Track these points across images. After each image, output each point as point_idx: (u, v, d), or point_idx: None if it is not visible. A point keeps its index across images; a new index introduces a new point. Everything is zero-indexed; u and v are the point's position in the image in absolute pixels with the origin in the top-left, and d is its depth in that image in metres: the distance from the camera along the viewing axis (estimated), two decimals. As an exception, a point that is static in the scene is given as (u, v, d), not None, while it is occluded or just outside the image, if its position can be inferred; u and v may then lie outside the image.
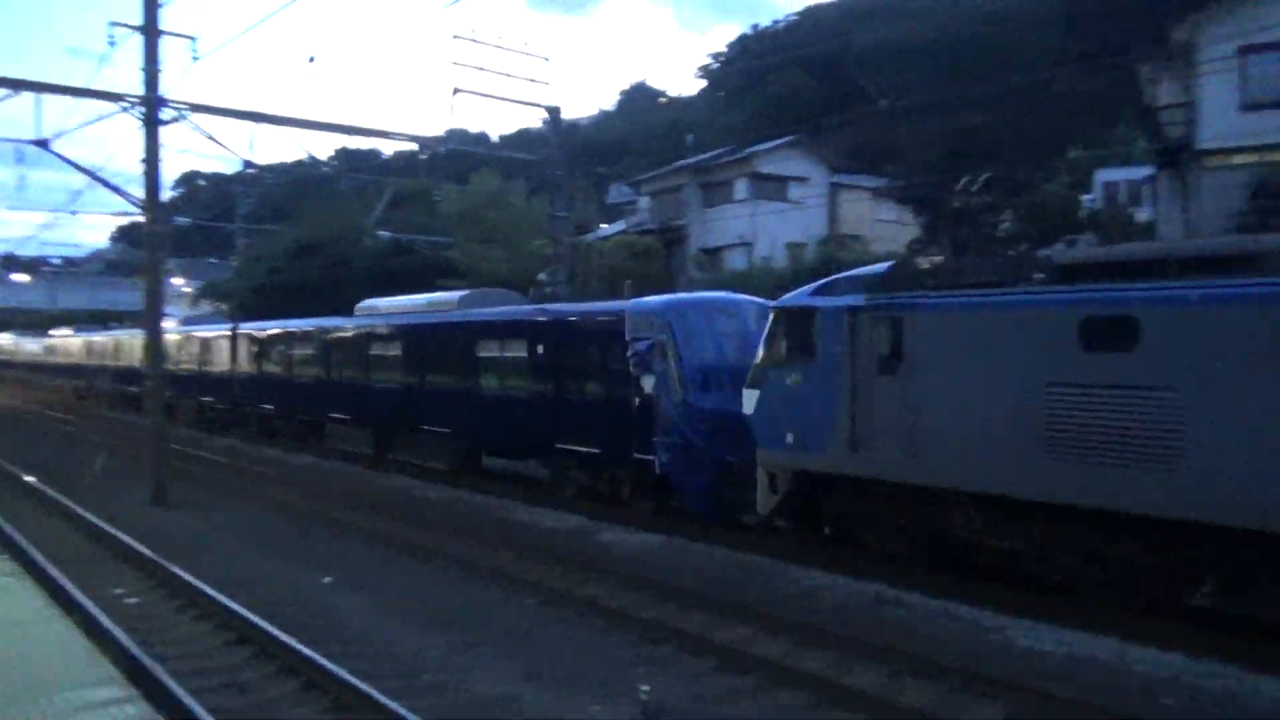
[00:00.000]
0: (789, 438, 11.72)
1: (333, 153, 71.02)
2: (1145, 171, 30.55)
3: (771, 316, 12.41)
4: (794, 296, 12.31)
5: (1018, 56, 35.13)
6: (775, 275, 28.55)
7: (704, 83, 64.72)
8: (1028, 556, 9.98)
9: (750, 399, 12.31)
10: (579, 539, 14.18)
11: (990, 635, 9.30)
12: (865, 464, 10.94)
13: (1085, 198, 34.75)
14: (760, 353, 12.33)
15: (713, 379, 13.96)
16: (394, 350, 21.45)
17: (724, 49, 60.97)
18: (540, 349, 16.76)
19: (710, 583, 11.43)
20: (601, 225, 49.93)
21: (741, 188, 38.35)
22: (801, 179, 38.70)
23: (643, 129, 66.81)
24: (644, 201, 44.31)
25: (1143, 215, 29.58)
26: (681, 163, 42.41)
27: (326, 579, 12.14)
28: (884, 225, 37.70)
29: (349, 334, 23.51)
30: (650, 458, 13.97)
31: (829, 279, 12.16)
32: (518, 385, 17.40)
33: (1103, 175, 37.50)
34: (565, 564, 12.44)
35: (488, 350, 18.43)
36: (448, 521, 15.43)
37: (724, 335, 14.48)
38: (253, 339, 28.65)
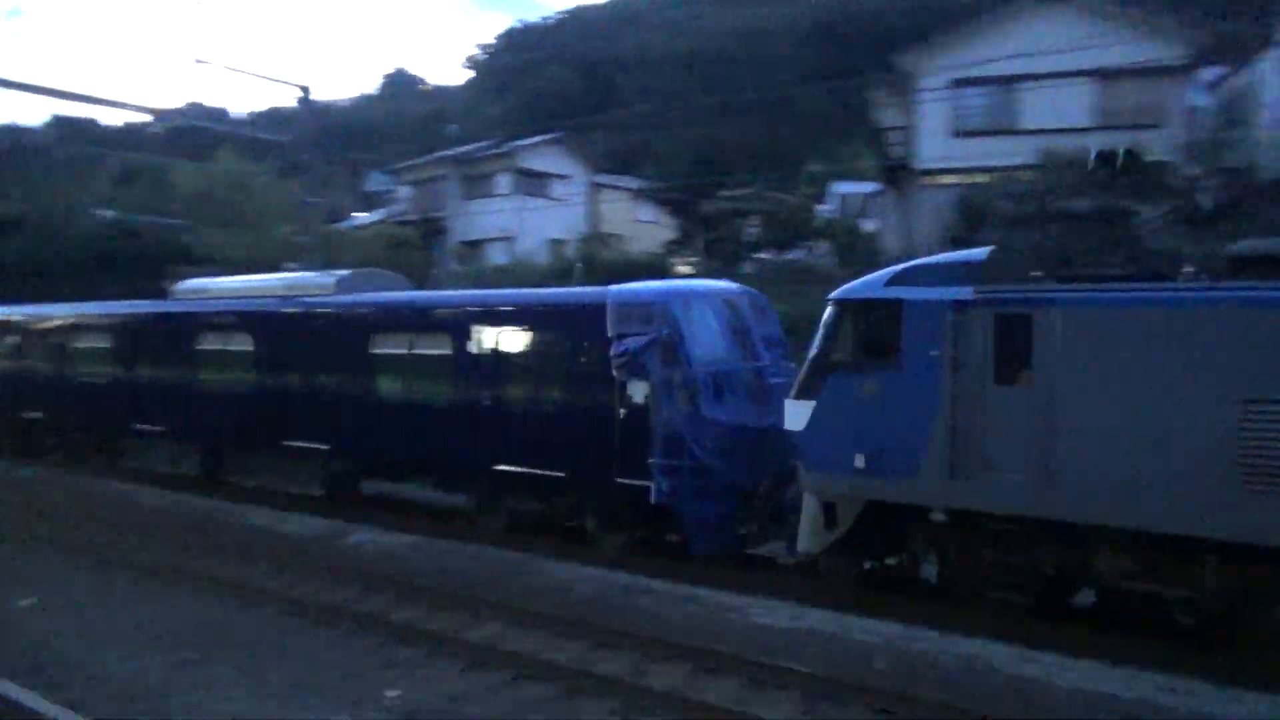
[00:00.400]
0: (859, 460, 9.46)
1: (48, 118, 63.34)
2: (874, 186, 33.54)
3: (832, 310, 10.09)
4: (864, 287, 9.97)
5: (767, 72, 37.49)
6: (537, 271, 28.69)
7: (471, 73, 63.92)
8: (1195, 605, 8.48)
9: (799, 411, 9.98)
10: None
11: (730, 614, 9.83)
12: (973, 494, 8.94)
13: (824, 208, 37.61)
14: (813, 354, 10.07)
15: (725, 385, 11.66)
16: (238, 344, 16.83)
17: (492, 40, 60.49)
18: (475, 346, 13.31)
19: (463, 581, 11.29)
20: (358, 213, 47.96)
21: (504, 182, 38.22)
22: (564, 176, 39.12)
23: (404, 116, 64.93)
24: (404, 191, 43.05)
25: (869, 226, 32.42)
26: (444, 153, 41.62)
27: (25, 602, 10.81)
28: (642, 226, 38.93)
29: (167, 322, 18.45)
30: (640, 483, 11.27)
31: (904, 266, 9.96)
32: (437, 391, 13.78)
33: (839, 188, 40.79)
34: (313, 567, 11.83)
35: (388, 345, 14.56)
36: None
37: (731, 331, 12.22)
38: (6, 327, 22.21)
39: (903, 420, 9.26)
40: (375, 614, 10.13)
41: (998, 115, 24.76)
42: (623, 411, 11.61)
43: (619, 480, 11.52)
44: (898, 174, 27.02)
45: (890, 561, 10.24)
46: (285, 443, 15.54)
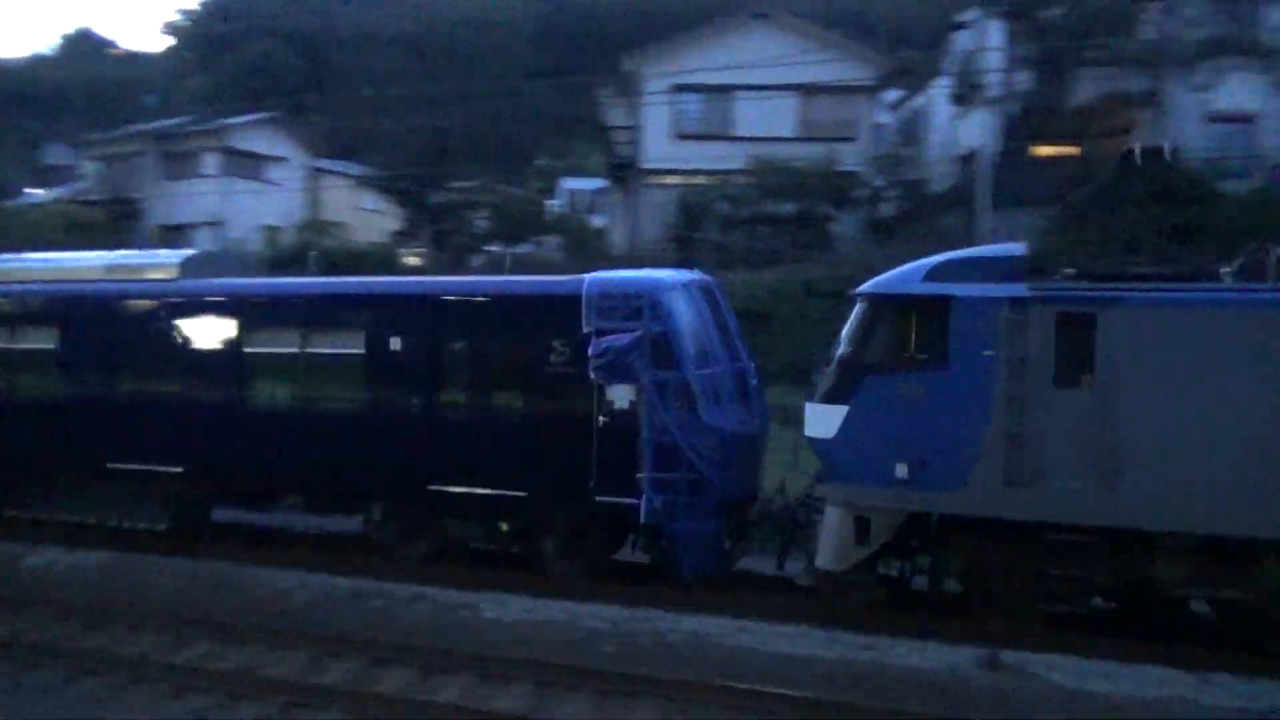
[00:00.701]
0: (900, 470, 8.82)
1: None
2: (602, 183, 34.49)
3: (864, 307, 9.33)
4: (899, 282, 9.27)
5: (498, 63, 37.30)
6: (250, 259, 26.69)
7: (171, 39, 58.20)
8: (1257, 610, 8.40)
9: (826, 416, 9.19)
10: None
11: (461, 612, 9.74)
12: (1032, 504, 8.55)
13: (553, 202, 38.13)
14: (842, 353, 9.34)
15: (719, 388, 10.50)
16: (47, 340, 13.40)
17: (196, 6, 55.31)
18: (402, 343, 11.32)
19: (165, 599, 10.31)
20: (33, 190, 42.32)
21: (212, 162, 35.16)
22: (279, 159, 36.68)
23: (91, 82, 57.91)
24: (91, 167, 38.43)
25: (597, 221, 33.32)
26: (140, 127, 37.60)
27: None
28: (367, 214, 37.40)
29: None
30: (624, 500, 10.10)
31: (939, 260, 9.25)
32: (345, 397, 11.79)
33: (567, 183, 41.53)
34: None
35: (272, 343, 12.21)
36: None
37: (715, 326, 10.96)
38: None
39: (952, 426, 8.70)
40: (58, 642, 9.01)
41: (715, 121, 26.28)
42: (602, 419, 10.30)
43: (598, 499, 10.29)
44: (624, 172, 27.95)
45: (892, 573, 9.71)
46: (113, 465, 12.48)
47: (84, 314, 13.17)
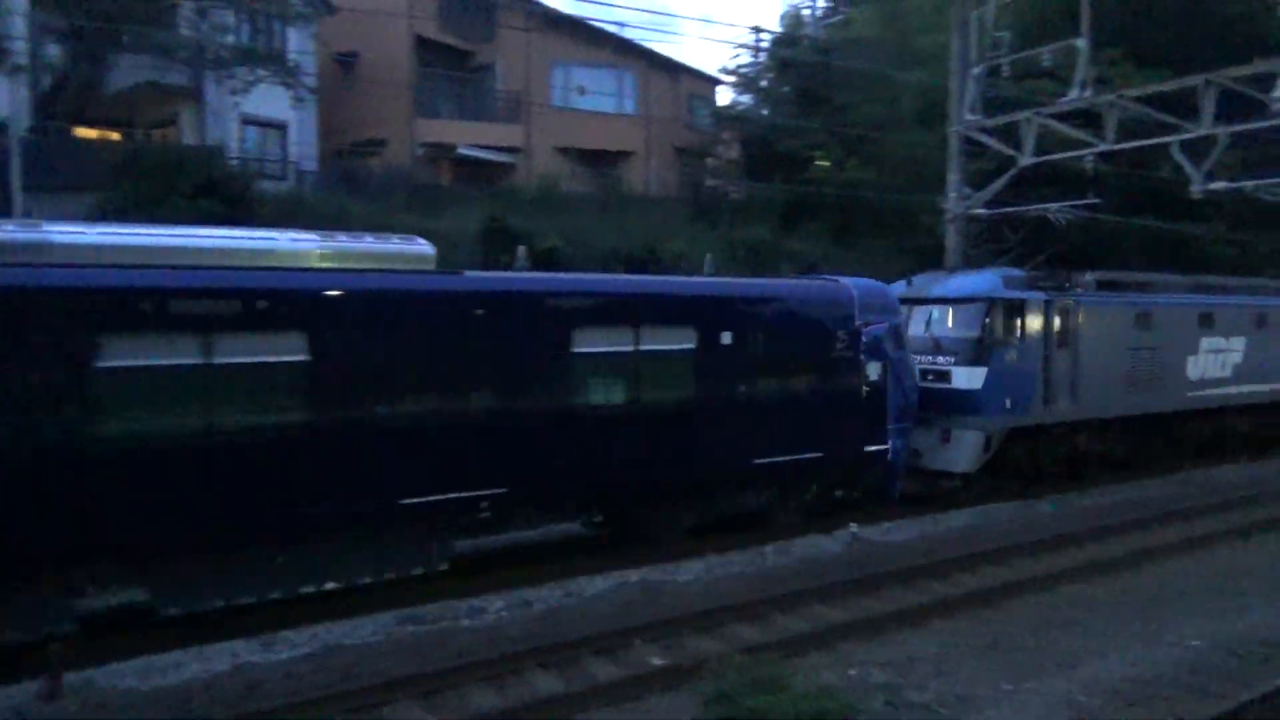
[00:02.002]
0: (1007, 404, 15.33)
1: None
2: None
3: (983, 306, 15.36)
4: (993, 289, 15.70)
5: None
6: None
7: None
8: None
9: (972, 375, 15.08)
10: None
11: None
12: (1049, 415, 16.15)
13: None
14: (976, 335, 15.26)
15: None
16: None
17: None
18: (721, 338, 12.32)
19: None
20: None
21: None
22: None
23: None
24: None
25: None
26: None
27: None
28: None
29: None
30: (879, 448, 13.89)
31: (1001, 274, 16.29)
32: (674, 395, 12.07)
33: None
34: None
35: (597, 343, 11.35)
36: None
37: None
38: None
39: (1026, 375, 15.54)
40: None
41: None
42: (865, 389, 13.65)
43: (866, 449, 13.75)
44: None
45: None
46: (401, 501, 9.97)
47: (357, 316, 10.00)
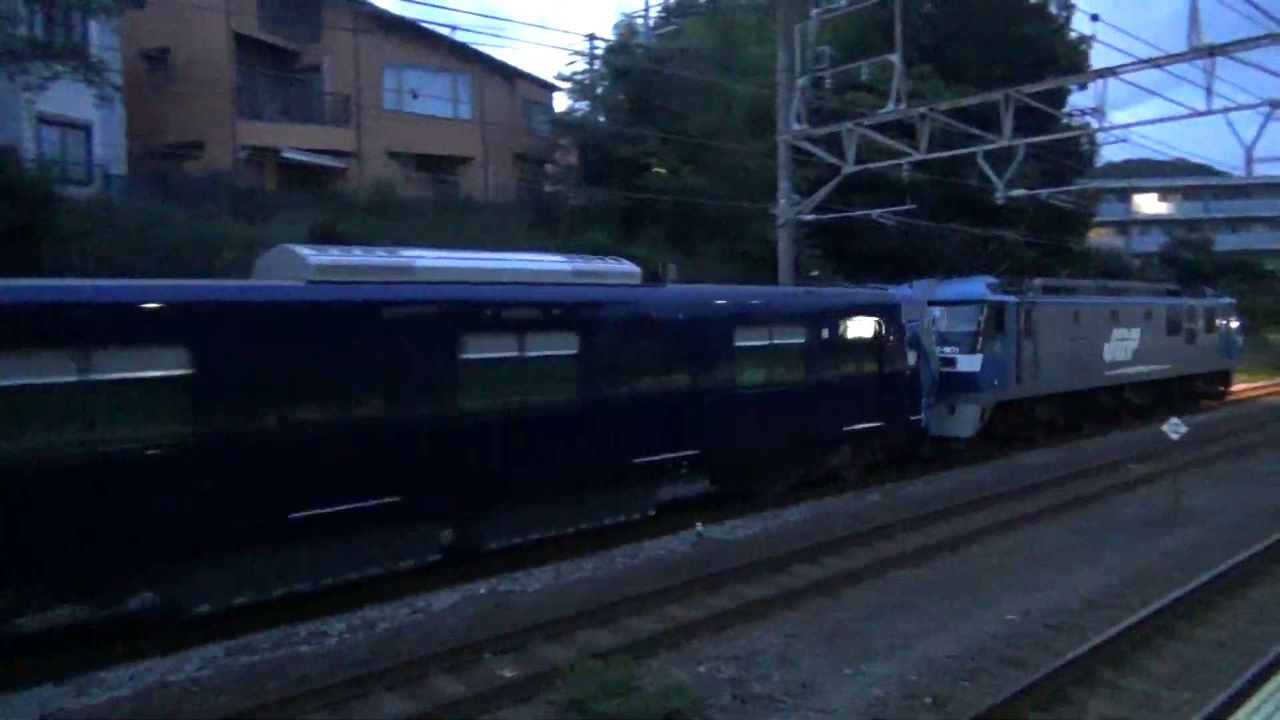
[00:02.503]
0: (997, 383, 19.67)
1: None
2: None
3: (977, 306, 19.54)
4: (984, 293, 19.96)
5: None
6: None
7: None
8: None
9: (973, 360, 19.15)
10: None
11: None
12: (1020, 391, 20.56)
13: None
14: (973, 330, 19.44)
15: None
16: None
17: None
18: (821, 334, 15.83)
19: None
20: None
21: None
22: None
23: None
24: None
25: None
26: None
27: None
28: None
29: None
30: (919, 418, 17.71)
31: (986, 281, 20.71)
32: (793, 375, 15.43)
33: None
34: None
35: (750, 338, 14.68)
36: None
37: None
38: None
39: (1008, 361, 19.99)
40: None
41: None
42: (908, 373, 17.36)
43: (910, 419, 17.52)
44: None
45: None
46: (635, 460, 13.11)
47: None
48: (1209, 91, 15.43)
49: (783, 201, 20.75)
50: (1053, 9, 42.27)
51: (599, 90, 32.22)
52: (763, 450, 15.18)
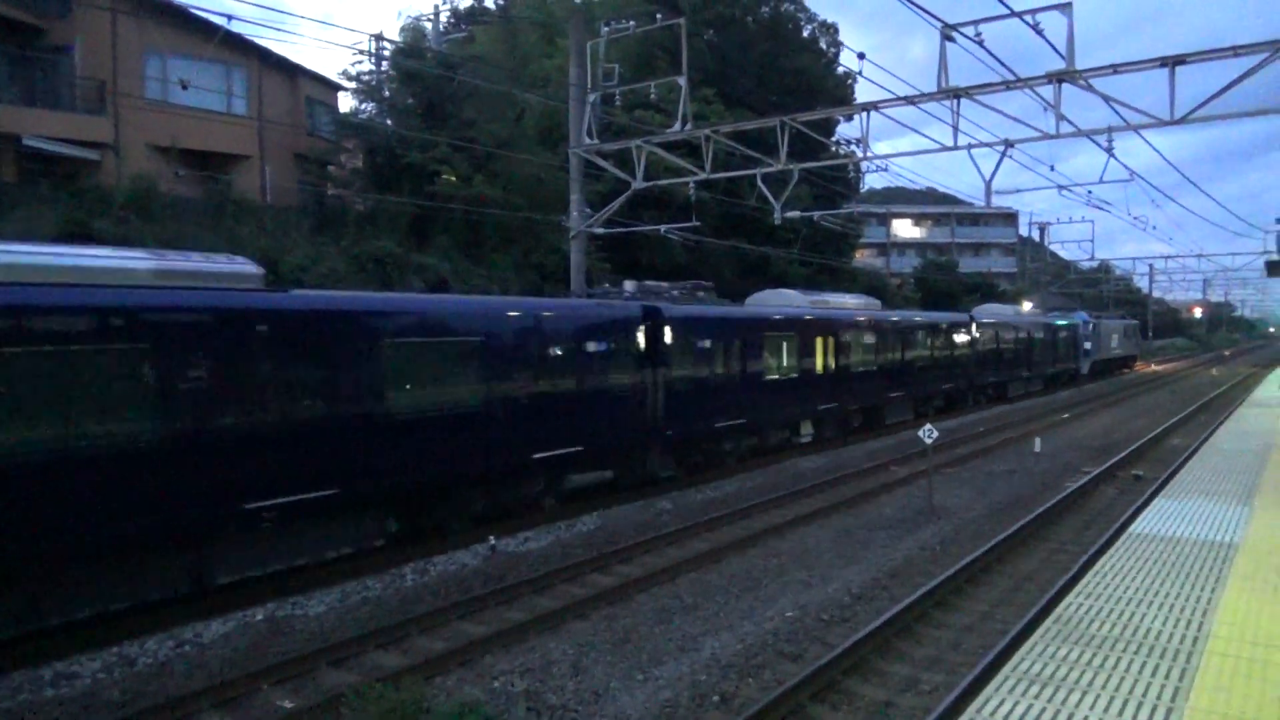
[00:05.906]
0: None
1: None
2: None
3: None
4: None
5: None
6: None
7: None
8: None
9: None
10: None
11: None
12: None
13: None
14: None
15: None
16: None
17: None
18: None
19: None
20: None
21: None
22: None
23: None
24: None
25: None
26: None
27: None
28: None
29: None
30: None
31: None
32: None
33: None
34: None
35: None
36: None
37: None
38: None
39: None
40: None
41: None
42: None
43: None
44: None
45: None
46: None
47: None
48: (955, 129, 17.10)
49: (575, 214, 21.00)
50: (822, 44, 45.43)
51: (386, 92, 31.27)
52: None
